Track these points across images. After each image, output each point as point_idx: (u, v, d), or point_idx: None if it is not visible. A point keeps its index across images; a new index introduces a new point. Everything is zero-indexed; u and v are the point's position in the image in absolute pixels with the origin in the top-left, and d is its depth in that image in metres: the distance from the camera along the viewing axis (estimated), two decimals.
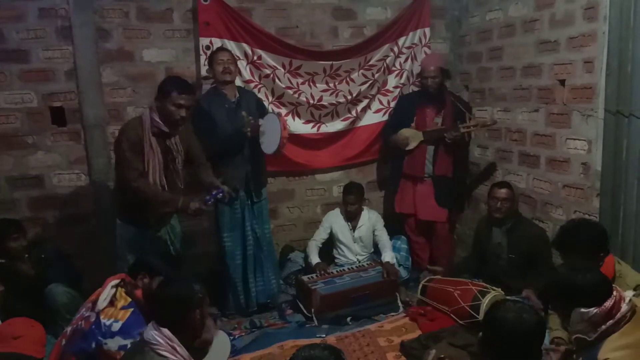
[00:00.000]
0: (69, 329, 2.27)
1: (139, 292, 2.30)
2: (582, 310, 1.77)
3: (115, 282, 2.31)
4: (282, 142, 3.13)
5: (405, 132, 3.75)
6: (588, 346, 1.78)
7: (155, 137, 2.76)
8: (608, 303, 1.75)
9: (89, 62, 3.41)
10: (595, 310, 1.75)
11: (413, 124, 3.77)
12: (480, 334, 1.70)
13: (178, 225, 3.18)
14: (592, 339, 1.77)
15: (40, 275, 2.98)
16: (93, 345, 2.12)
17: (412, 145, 3.73)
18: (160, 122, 2.73)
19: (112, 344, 2.10)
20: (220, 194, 2.86)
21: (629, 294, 1.82)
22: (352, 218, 3.81)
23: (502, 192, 3.22)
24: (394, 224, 3.97)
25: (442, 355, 1.79)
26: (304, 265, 3.90)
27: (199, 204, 2.79)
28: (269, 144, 3.20)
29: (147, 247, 2.97)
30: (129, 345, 2.04)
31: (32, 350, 1.95)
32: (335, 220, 3.84)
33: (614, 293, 1.78)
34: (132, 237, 2.93)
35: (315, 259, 3.71)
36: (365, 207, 3.88)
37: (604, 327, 1.75)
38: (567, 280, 1.87)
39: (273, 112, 3.48)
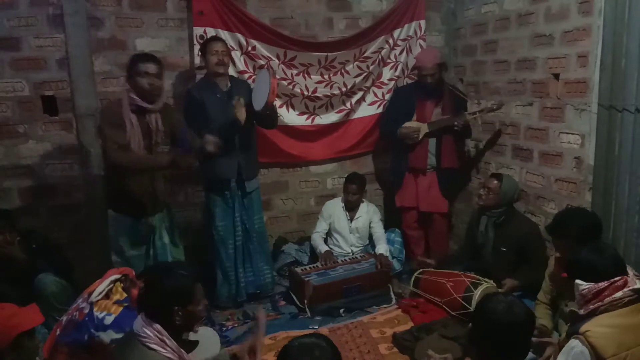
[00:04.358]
0: (64, 318, 2.26)
1: (135, 292, 2.27)
2: (577, 281, 1.83)
3: (116, 276, 2.28)
4: (272, 91, 3.04)
5: (412, 124, 3.72)
6: (579, 321, 1.82)
7: (136, 115, 2.76)
8: (603, 284, 1.78)
9: (81, 50, 3.37)
10: (587, 286, 1.80)
11: (415, 117, 3.75)
12: (470, 325, 1.71)
13: (171, 216, 3.16)
14: (583, 314, 1.81)
15: (30, 265, 2.95)
16: (86, 337, 2.11)
17: (420, 137, 3.71)
18: (136, 97, 2.75)
19: (105, 337, 2.09)
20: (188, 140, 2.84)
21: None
22: (351, 208, 3.82)
23: (492, 182, 3.22)
24: (391, 218, 3.97)
25: (431, 351, 1.81)
26: (297, 257, 3.91)
27: (191, 155, 2.81)
28: (259, 100, 3.14)
29: (141, 237, 2.97)
30: None
31: (34, 321, 1.93)
32: (334, 209, 3.85)
33: (618, 278, 1.79)
34: (126, 228, 2.92)
35: (323, 247, 3.72)
36: (364, 200, 3.89)
37: (592, 306, 1.79)
38: (582, 253, 1.91)
39: (265, 69, 3.42)
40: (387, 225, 3.93)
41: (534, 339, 2.13)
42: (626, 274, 1.83)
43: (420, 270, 3.51)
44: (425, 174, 3.80)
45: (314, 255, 3.83)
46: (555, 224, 2.43)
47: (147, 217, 2.97)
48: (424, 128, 3.69)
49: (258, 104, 3.14)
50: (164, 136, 2.87)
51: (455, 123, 3.60)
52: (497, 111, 3.60)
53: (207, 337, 2.25)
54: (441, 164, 3.75)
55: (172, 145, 2.93)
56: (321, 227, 3.85)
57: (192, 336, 1.94)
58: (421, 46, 4.09)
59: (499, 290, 2.97)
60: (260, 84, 3.18)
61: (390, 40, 4.05)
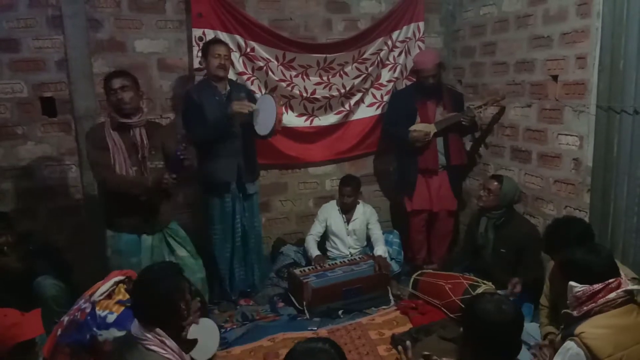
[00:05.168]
0: (65, 319, 2.25)
1: None
2: (572, 283, 1.84)
3: (119, 278, 2.28)
4: (278, 120, 3.08)
5: (420, 127, 3.71)
6: (573, 323, 1.82)
7: (118, 132, 2.75)
8: (597, 286, 1.79)
9: (80, 52, 3.37)
10: (582, 288, 1.81)
11: (418, 119, 3.75)
12: (461, 328, 1.72)
13: (179, 228, 3.05)
14: (577, 316, 1.82)
15: (28, 267, 2.94)
16: (88, 337, 2.10)
17: (430, 138, 3.70)
18: (116, 115, 2.75)
19: (107, 335, 2.09)
20: (181, 150, 2.71)
21: (632, 286, 1.84)
22: (347, 211, 3.82)
23: (491, 183, 3.22)
24: (396, 220, 3.96)
25: (427, 353, 1.81)
26: (296, 258, 3.89)
27: (171, 172, 2.74)
28: (264, 124, 3.15)
29: (143, 257, 2.86)
30: None
31: (33, 331, 1.92)
32: (330, 212, 3.85)
33: (612, 280, 1.80)
34: (125, 247, 2.84)
35: (315, 252, 3.72)
36: (360, 201, 3.88)
37: (586, 308, 1.79)
38: (577, 254, 1.91)
39: (268, 93, 3.44)
40: (393, 227, 3.90)
41: (537, 342, 2.13)
42: (619, 275, 1.84)
43: (419, 272, 3.51)
44: (437, 174, 3.80)
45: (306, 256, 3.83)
46: (548, 242, 2.42)
47: (147, 235, 2.88)
48: (432, 128, 3.69)
49: (263, 129, 3.16)
50: (153, 152, 2.82)
51: (465, 117, 3.60)
52: (501, 102, 3.59)
53: (206, 329, 2.25)
54: (450, 161, 3.76)
55: (165, 161, 2.87)
56: (316, 229, 3.84)
57: (192, 332, 1.93)
58: (420, 48, 4.10)
59: (498, 292, 2.97)
60: (265, 109, 3.17)
61: (389, 42, 4.05)
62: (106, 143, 2.73)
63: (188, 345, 1.88)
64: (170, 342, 1.74)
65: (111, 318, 2.13)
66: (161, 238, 2.95)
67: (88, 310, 2.16)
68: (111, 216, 2.88)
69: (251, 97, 3.44)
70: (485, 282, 3.10)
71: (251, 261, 3.51)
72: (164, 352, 1.72)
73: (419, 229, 3.90)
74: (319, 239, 3.85)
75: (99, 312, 2.14)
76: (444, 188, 3.81)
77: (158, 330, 1.73)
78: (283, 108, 3.19)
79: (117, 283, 2.27)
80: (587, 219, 2.83)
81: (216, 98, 3.20)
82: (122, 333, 2.04)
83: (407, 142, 3.71)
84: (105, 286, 2.24)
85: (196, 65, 3.56)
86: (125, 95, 2.73)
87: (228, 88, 3.27)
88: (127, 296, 2.22)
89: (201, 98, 3.18)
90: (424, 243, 3.95)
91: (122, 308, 2.17)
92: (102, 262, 2.96)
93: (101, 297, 2.20)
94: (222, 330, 3.10)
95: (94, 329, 2.10)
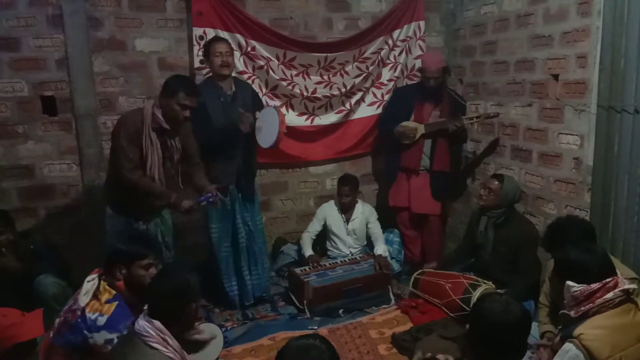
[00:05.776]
0: (57, 320, 2.25)
1: (120, 284, 2.26)
2: (569, 283, 1.83)
3: (91, 277, 2.25)
4: (280, 136, 3.10)
5: (409, 124, 3.72)
6: (571, 323, 1.82)
7: (155, 133, 2.73)
8: (595, 285, 1.78)
9: (80, 51, 3.37)
10: (579, 287, 1.80)
11: (412, 118, 3.75)
12: (467, 326, 1.71)
13: (169, 218, 3.14)
14: (574, 317, 1.81)
15: (28, 267, 2.94)
16: (80, 338, 2.10)
17: (416, 138, 3.71)
18: (162, 118, 2.71)
19: (98, 338, 2.07)
20: (212, 199, 2.87)
21: (628, 285, 1.84)
22: (346, 210, 3.81)
23: (492, 182, 3.21)
24: (388, 218, 3.98)
25: (429, 355, 1.81)
26: (296, 257, 3.90)
27: (192, 204, 2.82)
28: (266, 137, 3.16)
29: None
30: (115, 339, 2.01)
31: (32, 332, 1.91)
32: (329, 212, 3.85)
33: (609, 279, 1.79)
34: (123, 229, 2.90)
35: (308, 251, 3.71)
36: (359, 200, 3.88)
37: (583, 308, 1.79)
38: (572, 253, 1.90)
39: (271, 105, 3.44)
40: (385, 225, 3.92)
41: (535, 342, 2.12)
42: (616, 274, 1.84)
43: (420, 271, 3.51)
44: (417, 175, 3.80)
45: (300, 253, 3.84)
46: (549, 241, 2.41)
47: (144, 221, 2.95)
48: (421, 129, 3.69)
49: (266, 142, 3.17)
50: (180, 155, 2.88)
51: (449, 126, 3.59)
52: (494, 118, 3.61)
53: (210, 333, 2.26)
54: (433, 166, 3.76)
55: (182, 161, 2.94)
56: (313, 227, 3.84)
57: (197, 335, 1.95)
58: (420, 47, 4.10)
59: (498, 291, 2.97)
60: (267, 123, 3.17)
61: (390, 41, 4.05)
62: (142, 140, 2.71)
63: (190, 346, 1.89)
64: (172, 341, 1.74)
65: (101, 320, 2.10)
66: (157, 223, 3.03)
67: (79, 313, 2.15)
68: (113, 198, 2.93)
69: (256, 97, 3.43)
70: (485, 281, 3.10)
71: (261, 263, 3.47)
72: (166, 350, 1.72)
73: (405, 224, 3.93)
74: (314, 237, 3.85)
75: (89, 314, 2.12)
76: (426, 191, 3.80)
77: (161, 326, 1.73)
78: (285, 122, 3.20)
79: (89, 282, 2.24)
80: (587, 219, 2.83)
81: (220, 99, 3.17)
82: (113, 335, 2.03)
83: (392, 135, 3.74)
84: (83, 289, 2.21)
85: (197, 64, 3.56)
86: (188, 115, 2.74)
87: (233, 88, 3.23)
88: (114, 292, 2.21)
89: (206, 99, 3.10)
90: (416, 239, 3.96)
91: (112, 308, 2.15)
92: (102, 261, 2.96)
93: (85, 299, 2.18)
94: (223, 329, 3.11)
95: (85, 331, 2.09)
